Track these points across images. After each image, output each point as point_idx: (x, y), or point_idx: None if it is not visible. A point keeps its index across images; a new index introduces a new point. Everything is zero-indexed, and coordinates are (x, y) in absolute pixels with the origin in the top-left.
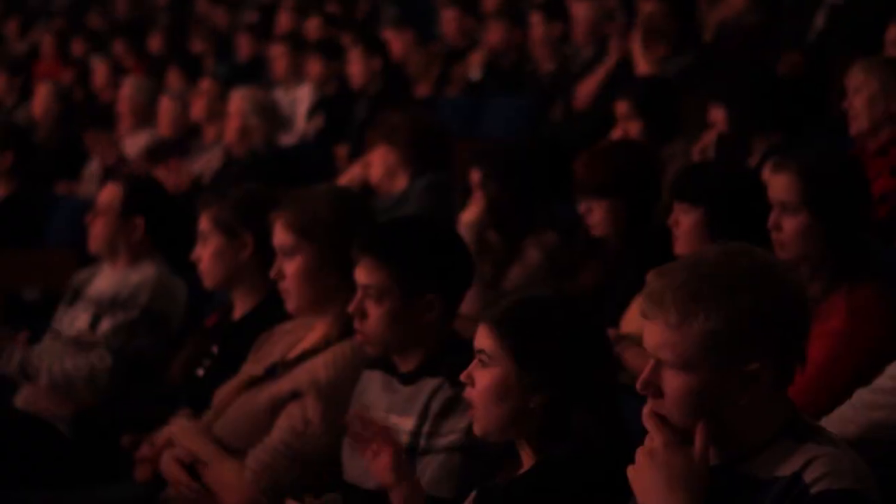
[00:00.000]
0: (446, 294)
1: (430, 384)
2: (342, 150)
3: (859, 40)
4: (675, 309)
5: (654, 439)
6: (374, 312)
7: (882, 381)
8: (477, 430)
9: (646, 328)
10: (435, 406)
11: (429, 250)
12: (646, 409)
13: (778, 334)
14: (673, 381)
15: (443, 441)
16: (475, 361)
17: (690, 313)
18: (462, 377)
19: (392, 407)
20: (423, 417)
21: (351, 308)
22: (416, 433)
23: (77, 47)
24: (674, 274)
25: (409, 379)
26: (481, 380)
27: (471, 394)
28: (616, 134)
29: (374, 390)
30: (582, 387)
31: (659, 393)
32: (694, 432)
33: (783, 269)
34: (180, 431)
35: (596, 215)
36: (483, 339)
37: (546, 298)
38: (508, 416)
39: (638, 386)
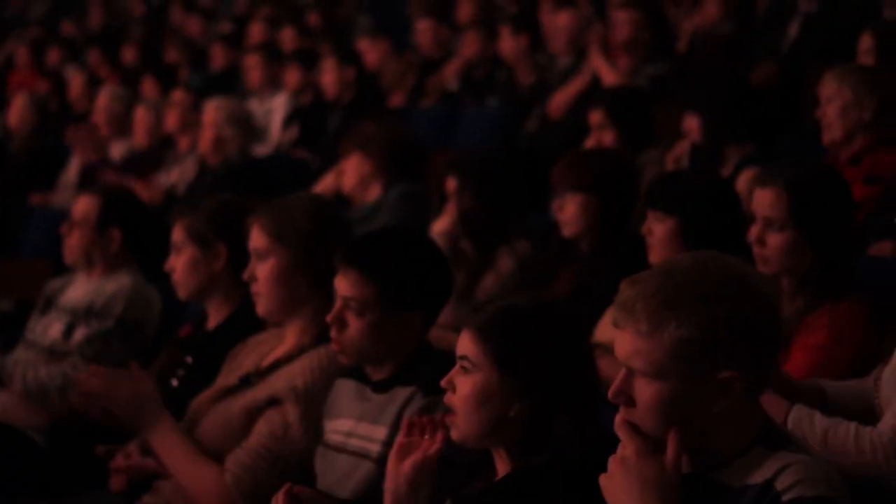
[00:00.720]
0: (428, 309)
1: (402, 393)
2: (304, 153)
3: (832, 49)
4: (647, 317)
5: (627, 448)
6: (355, 324)
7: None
8: (455, 435)
9: (617, 337)
10: (408, 415)
11: (414, 266)
12: (618, 418)
13: (750, 344)
14: (645, 390)
15: None
16: (457, 367)
17: (662, 321)
18: (443, 383)
19: (364, 415)
20: (395, 427)
21: (329, 318)
22: (388, 443)
23: (52, 57)
24: (645, 282)
25: (381, 387)
26: (462, 386)
27: (451, 399)
28: (590, 143)
29: (345, 399)
30: (563, 396)
31: (631, 402)
32: (666, 440)
33: (756, 279)
34: (158, 437)
35: (568, 210)
36: (466, 345)
37: (530, 306)
38: (488, 423)
39: (609, 395)
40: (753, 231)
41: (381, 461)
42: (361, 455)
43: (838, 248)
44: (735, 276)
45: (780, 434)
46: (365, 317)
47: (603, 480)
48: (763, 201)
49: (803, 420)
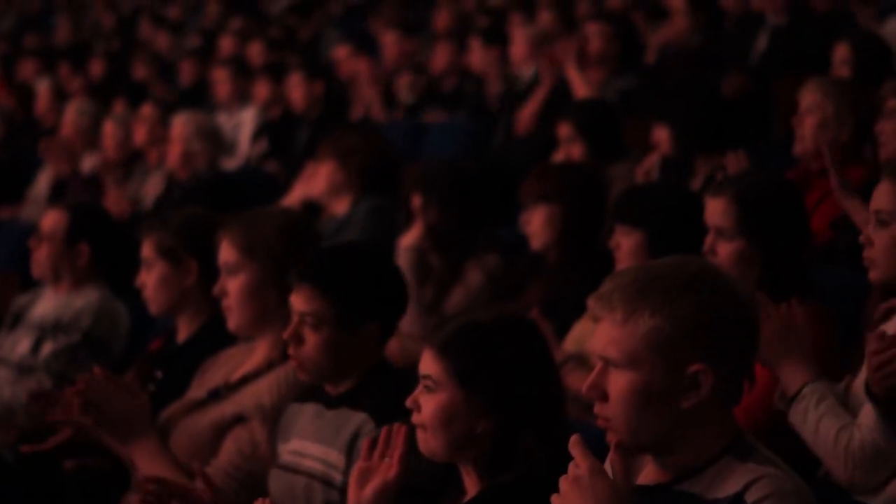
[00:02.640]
0: (383, 323)
1: (354, 419)
2: (273, 167)
3: (801, 61)
4: (622, 306)
5: (580, 466)
6: (311, 340)
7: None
8: (424, 451)
9: (596, 330)
10: (361, 445)
11: (368, 280)
12: (572, 438)
13: (722, 340)
14: (618, 382)
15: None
16: (420, 387)
17: (636, 310)
18: (408, 403)
19: (318, 436)
20: (349, 455)
21: (286, 334)
22: (345, 472)
23: (20, 70)
24: (624, 275)
25: (334, 403)
26: (427, 405)
27: (418, 420)
28: (559, 156)
29: (304, 420)
30: (529, 411)
31: (605, 397)
32: (638, 442)
33: (732, 280)
34: (144, 454)
35: (534, 222)
36: (428, 364)
37: (491, 322)
38: (455, 440)
39: (584, 389)
40: (707, 241)
41: (343, 490)
42: (315, 477)
43: (789, 256)
44: (711, 274)
45: (749, 445)
46: (321, 332)
47: (556, 500)
48: (714, 211)
49: (814, 396)
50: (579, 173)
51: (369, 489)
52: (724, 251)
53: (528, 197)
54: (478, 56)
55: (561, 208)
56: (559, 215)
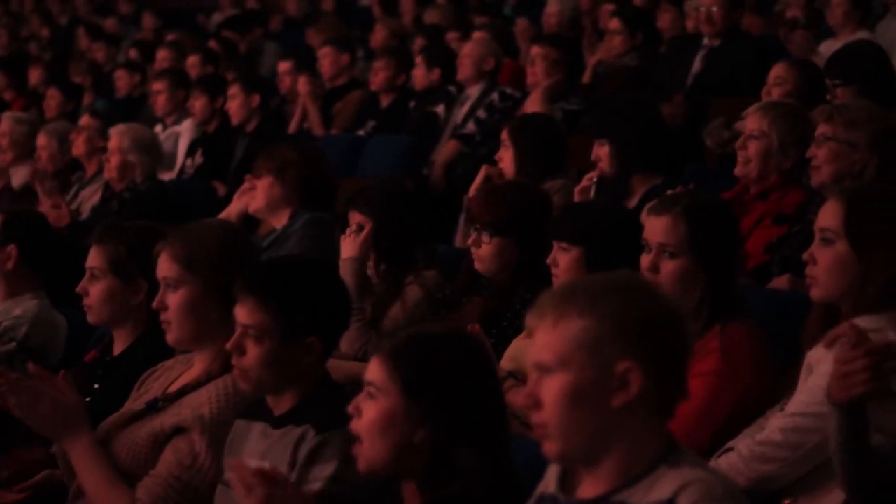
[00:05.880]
0: (326, 336)
1: (296, 432)
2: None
3: (735, 83)
4: (552, 311)
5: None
6: (253, 352)
7: (772, 434)
8: (362, 464)
9: (532, 342)
10: (301, 455)
11: (311, 293)
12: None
13: (648, 339)
14: (552, 385)
15: (308, 489)
16: (363, 393)
17: (565, 312)
18: (350, 409)
19: (265, 455)
20: (291, 466)
21: (229, 346)
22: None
23: None
24: (556, 286)
25: (279, 423)
26: (368, 412)
27: (357, 426)
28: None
29: (252, 439)
30: (469, 425)
31: (540, 405)
32: (572, 448)
33: (661, 288)
34: (78, 452)
35: (484, 250)
36: (374, 371)
37: (440, 334)
38: (393, 449)
39: (521, 399)
40: (646, 260)
41: None
42: None
43: (728, 275)
44: (639, 280)
45: (680, 452)
46: (263, 344)
47: None
48: (658, 228)
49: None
50: (531, 201)
51: None
52: (667, 269)
53: (479, 222)
54: (420, 73)
55: (514, 241)
56: (511, 247)
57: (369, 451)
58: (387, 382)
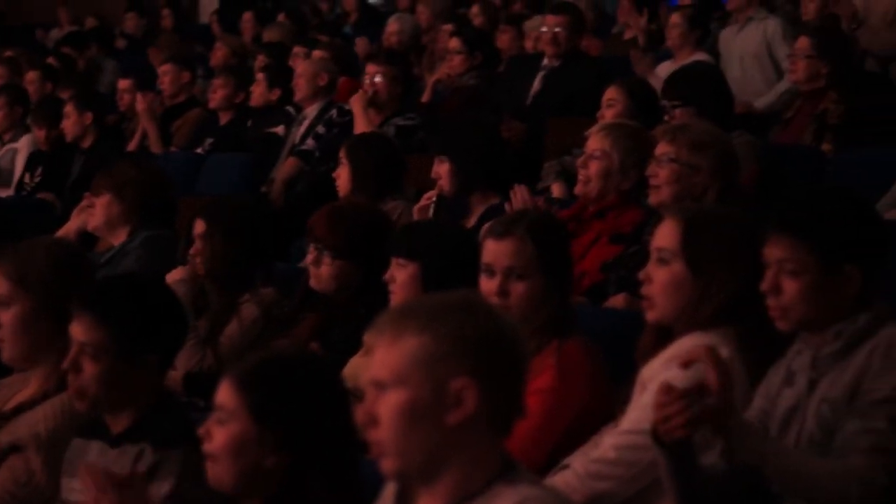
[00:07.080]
0: (162, 354)
1: (133, 450)
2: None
3: (572, 103)
4: (391, 329)
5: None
6: (90, 369)
7: (606, 451)
8: (212, 483)
9: (370, 359)
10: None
11: (147, 310)
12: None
13: (484, 357)
14: (388, 402)
15: None
16: (213, 417)
17: (401, 330)
18: (200, 432)
19: None
20: None
21: (65, 363)
22: None
23: None
24: (396, 304)
25: (116, 441)
26: (218, 436)
27: (209, 449)
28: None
29: (89, 457)
30: (320, 450)
31: (377, 422)
32: (408, 465)
33: (496, 307)
34: None
35: (324, 271)
36: (224, 394)
37: (291, 358)
38: (244, 473)
39: (358, 417)
40: (492, 285)
41: None
42: None
43: (565, 291)
44: (477, 299)
45: (517, 469)
46: (100, 362)
47: None
48: (503, 252)
49: None
50: (376, 225)
51: None
52: (518, 291)
53: (321, 242)
54: (259, 90)
55: (355, 263)
56: (351, 269)
57: (220, 472)
58: (236, 406)
